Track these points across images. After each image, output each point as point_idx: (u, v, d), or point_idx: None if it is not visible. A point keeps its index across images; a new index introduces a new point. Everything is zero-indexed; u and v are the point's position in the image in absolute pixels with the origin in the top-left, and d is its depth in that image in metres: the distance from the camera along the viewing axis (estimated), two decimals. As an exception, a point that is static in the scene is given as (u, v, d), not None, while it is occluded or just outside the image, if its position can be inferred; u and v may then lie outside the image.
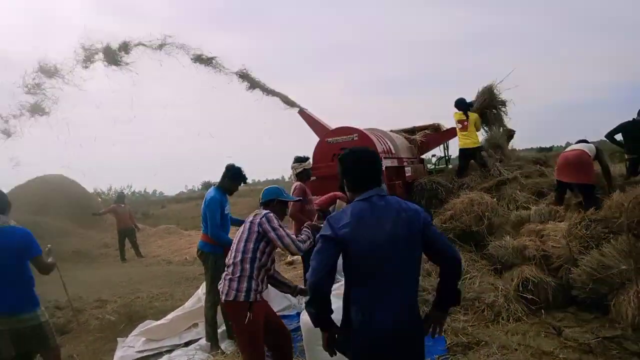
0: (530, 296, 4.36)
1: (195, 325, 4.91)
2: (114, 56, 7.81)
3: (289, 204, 3.52)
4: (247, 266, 2.95)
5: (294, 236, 3.06)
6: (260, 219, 3.03)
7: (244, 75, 8.77)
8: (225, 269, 3.08)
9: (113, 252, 12.34)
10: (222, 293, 3.00)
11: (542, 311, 4.26)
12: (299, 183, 5.33)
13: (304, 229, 3.28)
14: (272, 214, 3.08)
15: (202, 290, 5.15)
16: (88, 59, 7.74)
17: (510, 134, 8.39)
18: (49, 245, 3.78)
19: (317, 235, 2.10)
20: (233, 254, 3.04)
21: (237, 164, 4.53)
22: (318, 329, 2.49)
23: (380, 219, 2.02)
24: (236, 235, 3.15)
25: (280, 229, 3.01)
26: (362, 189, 2.12)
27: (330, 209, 5.64)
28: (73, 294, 5.83)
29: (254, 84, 8.85)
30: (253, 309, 2.89)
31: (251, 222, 3.07)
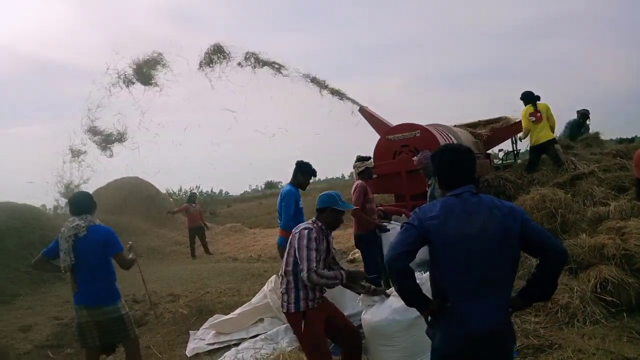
0: (610, 298, 4.05)
1: (262, 320, 5.07)
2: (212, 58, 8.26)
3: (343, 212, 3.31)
4: (291, 278, 3.00)
5: (314, 264, 2.89)
6: (294, 233, 3.04)
7: (314, 80, 8.92)
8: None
9: (183, 249, 13.00)
10: (281, 306, 3.11)
11: (624, 314, 3.95)
12: (360, 182, 5.34)
13: (336, 272, 3.08)
14: (306, 231, 2.98)
15: (267, 286, 5.31)
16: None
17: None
18: (130, 243, 4.07)
19: (403, 223, 2.13)
20: (282, 266, 3.10)
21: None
22: (380, 330, 2.50)
23: (471, 214, 2.00)
24: None
25: (306, 250, 2.89)
26: (454, 185, 2.11)
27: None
28: (149, 288, 6.22)
29: (318, 84, 8.97)
30: (307, 317, 2.92)
31: (293, 232, 3.09)
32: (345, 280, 3.02)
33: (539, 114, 7.12)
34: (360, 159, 5.48)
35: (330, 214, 3.13)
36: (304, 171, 4.64)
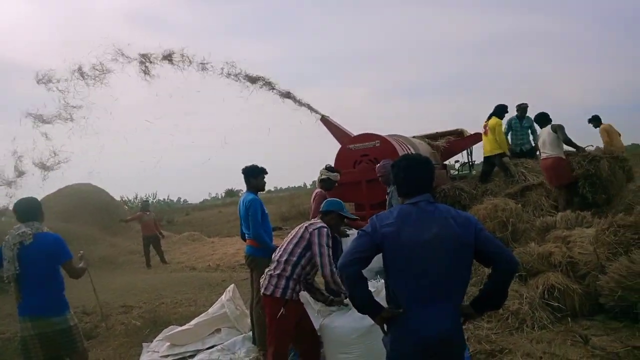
0: (556, 304, 4.25)
1: (218, 330, 4.97)
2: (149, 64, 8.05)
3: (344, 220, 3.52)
4: (289, 267, 3.07)
5: (332, 261, 3.06)
6: (314, 229, 3.12)
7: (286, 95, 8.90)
8: (270, 264, 3.16)
9: (138, 258, 12.58)
10: (262, 286, 3.15)
11: (569, 319, 4.15)
12: (319, 190, 5.38)
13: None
14: (326, 229, 3.13)
15: (225, 296, 5.22)
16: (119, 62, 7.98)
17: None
18: (81, 252, 3.90)
19: (359, 230, 2.18)
20: (280, 252, 3.16)
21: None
22: (338, 337, 2.51)
23: (426, 221, 2.05)
24: (289, 235, 3.26)
25: (326, 248, 3.06)
26: (412, 194, 2.16)
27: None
28: (100, 299, 5.98)
29: (282, 94, 8.97)
30: (287, 306, 3.00)
31: (306, 228, 3.17)
32: (344, 300, 3.13)
33: (486, 128, 7.51)
34: (329, 168, 5.55)
35: (335, 218, 3.32)
36: (253, 174, 4.61)
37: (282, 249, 3.17)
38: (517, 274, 4.86)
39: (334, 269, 3.03)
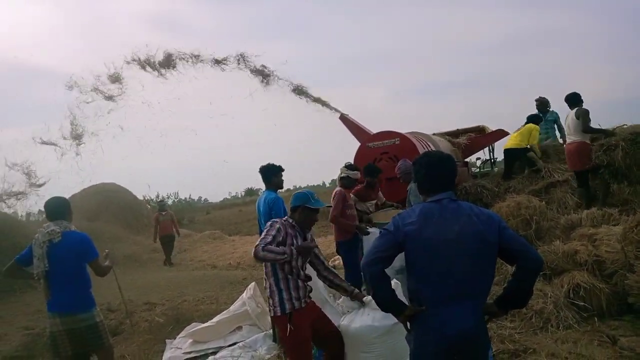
0: (582, 303, 4.16)
1: (240, 328, 5.03)
2: (169, 63, 8.17)
3: (317, 210, 3.25)
4: (272, 280, 3.00)
5: (264, 242, 2.87)
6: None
7: (297, 90, 8.93)
8: None
9: (160, 256, 12.74)
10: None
11: (595, 319, 4.06)
12: (339, 189, 5.38)
13: (290, 247, 3.01)
14: (270, 222, 3.02)
15: (246, 294, 5.28)
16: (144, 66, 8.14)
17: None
18: (107, 250, 3.98)
19: (381, 229, 2.17)
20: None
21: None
22: (358, 336, 2.50)
23: (449, 220, 2.03)
24: None
25: (263, 234, 2.92)
26: (434, 191, 2.14)
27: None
28: (125, 296, 6.10)
29: (300, 92, 8.99)
30: (293, 319, 2.92)
31: None
32: (296, 254, 2.96)
33: (520, 129, 7.47)
34: (348, 166, 5.54)
35: (302, 212, 3.12)
36: (273, 172, 4.64)
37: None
38: (541, 273, 4.79)
39: (259, 248, 2.82)
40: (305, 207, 3.12)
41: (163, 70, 8.23)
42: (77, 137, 8.16)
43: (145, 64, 8.20)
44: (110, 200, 16.56)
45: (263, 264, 3.10)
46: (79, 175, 8.38)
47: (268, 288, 3.02)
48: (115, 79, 8.13)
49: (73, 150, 8.23)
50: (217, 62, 8.44)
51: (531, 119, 7.55)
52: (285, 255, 2.89)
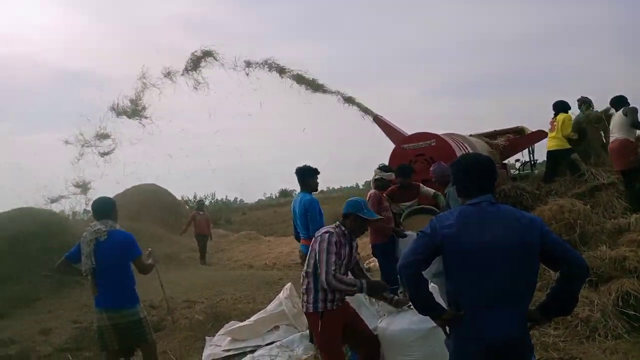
0: (633, 312, 3.97)
1: (277, 327, 5.09)
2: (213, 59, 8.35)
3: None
4: (311, 279, 3.04)
5: (333, 268, 2.92)
6: (317, 236, 3.08)
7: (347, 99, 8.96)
8: None
9: (199, 256, 13.07)
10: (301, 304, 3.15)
11: (647, 329, 3.87)
12: (374, 191, 5.36)
13: (357, 280, 3.08)
14: (327, 234, 3.03)
15: (283, 294, 5.34)
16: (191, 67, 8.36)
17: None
18: (149, 249, 4.14)
19: (418, 232, 2.14)
20: (304, 266, 3.15)
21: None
22: (396, 340, 2.49)
23: (487, 223, 2.00)
24: None
25: (325, 255, 2.93)
26: (472, 194, 2.11)
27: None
28: (166, 294, 6.29)
29: (330, 92, 9.01)
30: (325, 318, 2.95)
31: (314, 236, 3.14)
32: (366, 292, 3.02)
33: (554, 123, 7.13)
34: (383, 167, 5.49)
35: (353, 220, 3.15)
36: (309, 174, 4.68)
37: (305, 263, 3.17)
38: (587, 279, 4.61)
39: (330, 277, 2.89)
40: (357, 215, 3.14)
41: (197, 74, 8.41)
42: (111, 147, 8.46)
43: (184, 70, 8.39)
44: (150, 201, 17.09)
45: (305, 263, 3.16)
46: (122, 175, 8.69)
47: (305, 285, 3.07)
48: (144, 88, 8.36)
49: (111, 152, 8.53)
50: (249, 65, 8.54)
51: (559, 107, 7.20)
52: (356, 288, 2.97)
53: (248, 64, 8.55)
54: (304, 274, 3.09)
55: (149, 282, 5.32)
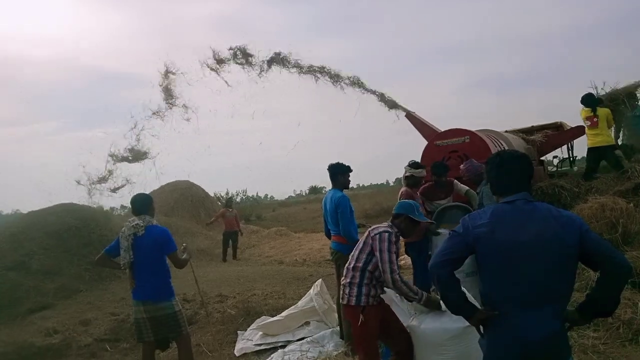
0: (679, 315, 3.79)
1: (308, 323, 5.12)
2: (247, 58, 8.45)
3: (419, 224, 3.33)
4: (358, 274, 3.05)
5: (397, 268, 2.98)
6: (375, 234, 3.07)
7: (357, 83, 8.90)
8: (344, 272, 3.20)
9: (230, 251, 13.30)
10: (341, 296, 3.16)
11: (696, 334, 3.69)
12: (405, 188, 5.29)
13: (419, 290, 3.07)
14: (387, 234, 3.04)
15: (313, 290, 5.36)
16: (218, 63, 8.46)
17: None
18: (184, 244, 4.24)
19: (450, 230, 2.12)
20: (349, 260, 3.16)
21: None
22: (429, 338, 2.45)
23: (523, 221, 1.95)
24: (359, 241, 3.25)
25: (386, 254, 2.96)
26: (507, 192, 2.06)
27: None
28: (200, 288, 6.43)
29: (367, 90, 8.95)
30: (365, 312, 2.97)
31: (369, 232, 3.13)
32: (424, 303, 3.01)
33: (595, 119, 6.83)
34: (413, 164, 5.39)
35: (404, 221, 3.18)
36: (341, 171, 4.67)
37: (351, 256, 3.17)
38: (629, 280, 4.43)
39: (395, 276, 2.94)
40: (408, 216, 3.18)
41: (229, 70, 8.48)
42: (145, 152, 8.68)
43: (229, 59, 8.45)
44: (184, 197, 17.52)
45: (351, 255, 3.17)
46: (157, 173, 8.90)
47: (349, 279, 3.07)
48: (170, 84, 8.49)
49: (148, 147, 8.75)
50: (280, 61, 8.56)
51: (593, 101, 6.87)
52: (417, 297, 2.99)
53: (283, 60, 8.57)
54: (351, 268, 3.09)
55: (183, 276, 5.45)
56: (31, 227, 9.31)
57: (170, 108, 8.55)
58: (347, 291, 3.06)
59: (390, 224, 3.19)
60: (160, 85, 8.48)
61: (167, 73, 8.45)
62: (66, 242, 9.03)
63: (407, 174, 5.33)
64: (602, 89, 7.31)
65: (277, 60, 8.52)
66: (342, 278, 3.17)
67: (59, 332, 5.99)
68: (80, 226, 9.57)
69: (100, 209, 10.60)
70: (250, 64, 8.43)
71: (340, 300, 3.16)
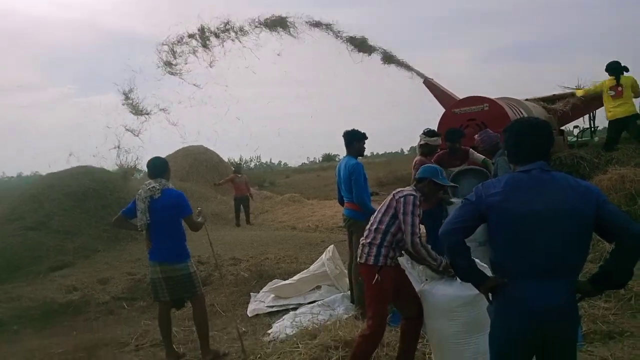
0: (694, 289, 3.76)
1: (319, 287, 5.22)
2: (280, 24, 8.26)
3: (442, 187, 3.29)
4: (379, 236, 3.06)
5: (418, 231, 2.98)
6: (400, 197, 3.06)
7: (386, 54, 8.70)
8: (363, 233, 3.22)
9: (243, 215, 13.47)
10: (357, 255, 3.19)
11: None
12: (419, 157, 5.23)
13: (441, 259, 3.04)
14: (412, 197, 3.03)
15: (325, 255, 5.43)
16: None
17: None
18: (199, 208, 4.29)
19: (463, 199, 2.10)
20: (371, 221, 3.17)
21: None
22: (439, 304, 2.47)
23: (538, 191, 1.92)
24: (382, 203, 3.24)
25: (410, 217, 2.97)
26: (524, 161, 2.02)
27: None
28: (214, 251, 6.55)
29: (389, 59, 8.75)
30: (381, 272, 3.01)
31: (393, 195, 3.13)
32: (442, 269, 3.00)
33: (619, 89, 6.59)
34: (428, 132, 5.30)
35: (427, 185, 3.17)
36: (357, 138, 4.64)
37: (373, 217, 3.18)
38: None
39: (416, 239, 2.95)
40: (431, 180, 3.16)
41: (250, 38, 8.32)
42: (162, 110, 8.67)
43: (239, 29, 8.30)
44: (198, 162, 17.64)
45: (373, 217, 3.18)
46: (172, 138, 8.97)
47: (370, 239, 3.08)
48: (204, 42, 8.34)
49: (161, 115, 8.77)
50: (310, 24, 8.35)
51: (618, 68, 6.59)
52: (435, 263, 2.98)
53: (313, 23, 8.36)
54: (373, 229, 3.10)
55: (198, 239, 5.54)
56: (51, 189, 9.49)
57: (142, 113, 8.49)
58: (366, 250, 3.09)
59: (414, 187, 3.18)
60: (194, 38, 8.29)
61: (202, 30, 8.28)
62: (84, 203, 9.20)
63: (422, 142, 5.25)
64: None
65: (319, 25, 8.33)
66: (362, 238, 3.18)
67: (79, 289, 6.19)
68: (98, 188, 9.72)
69: (117, 171, 10.71)
70: (286, 29, 8.24)
71: (358, 259, 3.17)
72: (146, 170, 4.07)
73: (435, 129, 5.65)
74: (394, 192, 3.17)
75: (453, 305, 2.84)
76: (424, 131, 5.36)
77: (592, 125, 9.04)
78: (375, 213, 3.19)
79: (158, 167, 3.96)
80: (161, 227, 3.79)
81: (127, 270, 7.03)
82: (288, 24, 8.23)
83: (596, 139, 8.68)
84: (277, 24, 8.24)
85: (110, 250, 8.36)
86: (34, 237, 7.98)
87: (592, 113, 8.77)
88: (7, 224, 8.46)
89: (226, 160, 20.97)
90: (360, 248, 3.16)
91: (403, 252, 3.21)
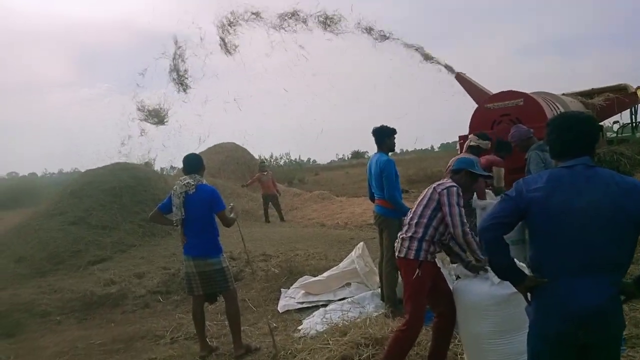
0: None
1: (349, 284, 5.22)
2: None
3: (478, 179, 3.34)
4: (421, 229, 3.04)
5: (465, 221, 2.98)
6: (442, 189, 3.05)
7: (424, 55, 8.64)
8: (402, 227, 3.21)
9: (273, 212, 13.60)
10: (396, 249, 3.17)
11: None
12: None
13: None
14: (455, 188, 3.03)
15: (355, 252, 5.42)
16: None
17: None
18: (232, 204, 4.37)
19: (502, 194, 2.09)
20: (411, 215, 3.16)
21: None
22: (472, 303, 2.42)
23: (581, 187, 1.87)
24: (419, 197, 3.23)
25: (456, 208, 2.96)
26: (567, 156, 1.97)
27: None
28: (246, 247, 6.64)
29: (427, 57, 8.68)
30: (422, 267, 2.99)
31: (434, 188, 3.12)
32: (477, 267, 2.99)
33: None
34: (481, 135, 5.31)
35: (464, 176, 3.18)
36: (387, 134, 4.62)
37: (413, 211, 3.16)
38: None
39: (466, 229, 2.94)
40: (468, 171, 3.18)
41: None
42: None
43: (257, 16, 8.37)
44: (230, 159, 17.97)
45: (412, 211, 3.17)
46: (204, 135, 9.15)
47: (410, 233, 3.06)
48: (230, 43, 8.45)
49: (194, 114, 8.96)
50: (326, 22, 8.37)
51: None
52: (482, 258, 2.95)
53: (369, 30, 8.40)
54: (413, 224, 3.08)
55: (230, 235, 5.64)
56: (89, 185, 9.85)
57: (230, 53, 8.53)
58: (406, 244, 3.06)
59: (453, 183, 3.15)
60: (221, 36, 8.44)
61: (229, 24, 8.42)
62: (121, 199, 9.50)
63: (472, 144, 5.22)
64: None
65: (367, 29, 8.38)
66: (401, 233, 3.17)
67: (116, 283, 6.41)
68: (134, 184, 10.02)
69: (150, 167, 11.02)
70: (332, 25, 8.30)
71: (397, 253, 3.15)
72: (182, 166, 4.16)
73: (468, 126, 5.59)
74: (433, 185, 3.15)
75: (487, 303, 2.80)
76: (476, 133, 5.40)
77: (634, 121, 8.69)
78: (415, 207, 3.17)
79: (193, 163, 4.05)
80: (195, 222, 3.88)
81: (162, 264, 7.22)
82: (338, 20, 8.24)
83: (638, 134, 8.34)
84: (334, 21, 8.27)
85: (145, 245, 8.60)
86: (74, 232, 8.32)
87: (634, 107, 8.44)
88: (50, 218, 8.85)
89: (257, 157, 21.26)
90: (400, 242, 3.13)
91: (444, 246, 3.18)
